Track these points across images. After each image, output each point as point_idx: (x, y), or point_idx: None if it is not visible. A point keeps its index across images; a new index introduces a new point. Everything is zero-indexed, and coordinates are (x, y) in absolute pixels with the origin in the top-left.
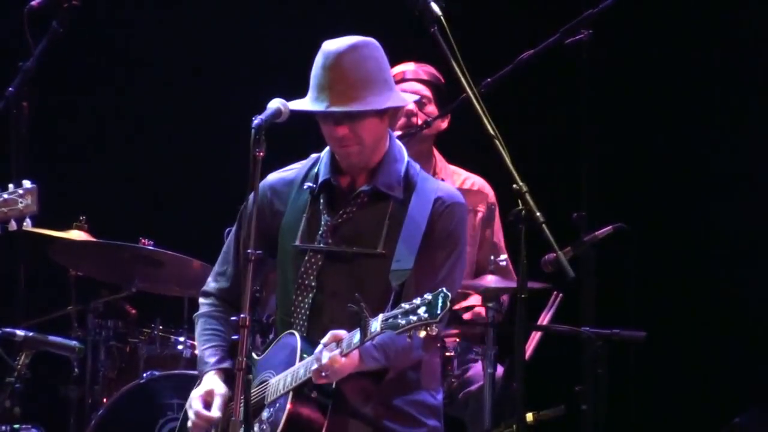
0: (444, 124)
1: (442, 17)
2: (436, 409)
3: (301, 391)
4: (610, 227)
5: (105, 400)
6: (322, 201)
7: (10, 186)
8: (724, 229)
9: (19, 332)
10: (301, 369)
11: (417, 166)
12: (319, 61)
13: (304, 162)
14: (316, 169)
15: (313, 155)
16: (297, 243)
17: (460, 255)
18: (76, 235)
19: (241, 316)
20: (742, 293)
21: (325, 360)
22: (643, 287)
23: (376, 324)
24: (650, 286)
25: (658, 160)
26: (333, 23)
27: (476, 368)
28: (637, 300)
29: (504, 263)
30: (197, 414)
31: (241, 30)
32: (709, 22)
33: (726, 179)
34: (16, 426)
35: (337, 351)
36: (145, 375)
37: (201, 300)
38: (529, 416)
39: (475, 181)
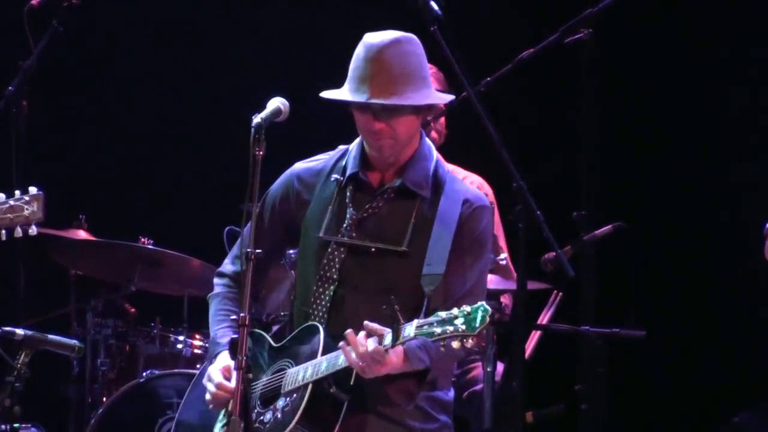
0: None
1: (442, 16)
2: (447, 405)
3: (320, 385)
4: (609, 226)
5: (104, 399)
6: (348, 194)
7: (17, 192)
8: (723, 228)
9: (19, 331)
10: (324, 363)
11: (446, 166)
12: (360, 53)
13: (331, 153)
14: (344, 161)
15: (341, 147)
16: (321, 234)
17: (487, 259)
18: (76, 234)
19: (241, 315)
20: (742, 292)
21: (371, 347)
22: (643, 286)
23: (410, 329)
24: (650, 285)
25: (658, 160)
26: (333, 23)
27: (481, 367)
28: (636, 299)
29: (504, 262)
30: (219, 386)
31: (240, 29)
32: (709, 21)
33: (726, 178)
34: (16, 425)
35: (380, 345)
36: (144, 374)
37: (216, 280)
38: (529, 415)
39: (474, 180)
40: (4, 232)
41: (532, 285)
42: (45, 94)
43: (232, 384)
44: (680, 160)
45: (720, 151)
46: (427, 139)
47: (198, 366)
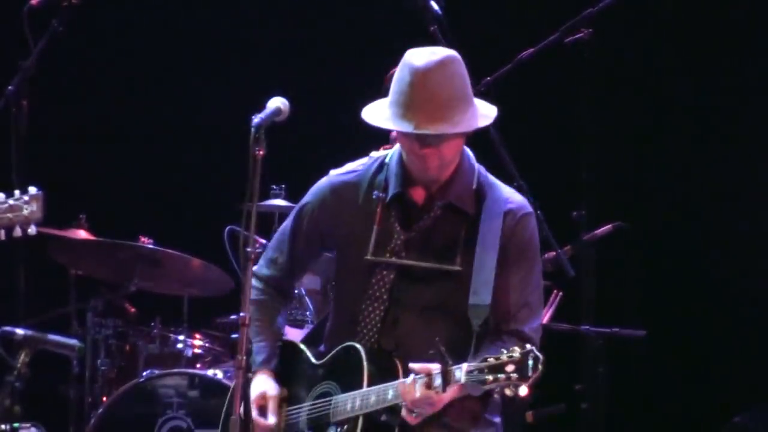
0: None
1: (442, 16)
2: (497, 404)
3: (371, 416)
4: (609, 226)
5: (105, 398)
6: (393, 213)
7: (16, 192)
8: (723, 228)
9: (19, 331)
10: (373, 396)
11: (484, 173)
12: (405, 77)
13: (365, 162)
14: (382, 176)
15: (375, 155)
16: (369, 256)
17: (538, 270)
18: (76, 234)
19: (241, 314)
20: (742, 292)
21: (419, 394)
22: (643, 286)
23: (460, 374)
24: (650, 284)
25: (658, 159)
26: (333, 23)
27: None
28: (636, 298)
29: None
30: (255, 422)
31: (240, 29)
32: (709, 22)
33: (725, 178)
34: (16, 424)
35: (430, 390)
36: (144, 374)
37: (254, 283)
38: (529, 415)
39: None
40: (3, 231)
41: None
42: (45, 94)
43: (269, 418)
44: (680, 160)
45: (719, 150)
46: (467, 150)
47: (198, 366)
